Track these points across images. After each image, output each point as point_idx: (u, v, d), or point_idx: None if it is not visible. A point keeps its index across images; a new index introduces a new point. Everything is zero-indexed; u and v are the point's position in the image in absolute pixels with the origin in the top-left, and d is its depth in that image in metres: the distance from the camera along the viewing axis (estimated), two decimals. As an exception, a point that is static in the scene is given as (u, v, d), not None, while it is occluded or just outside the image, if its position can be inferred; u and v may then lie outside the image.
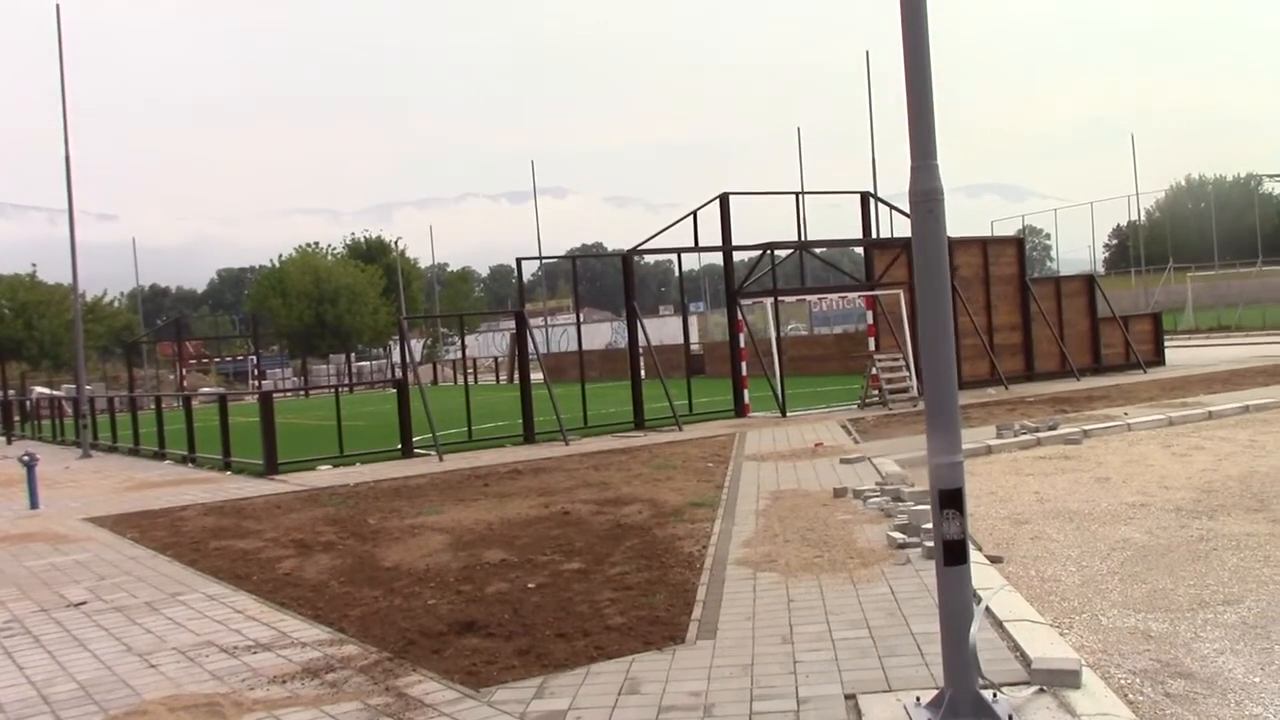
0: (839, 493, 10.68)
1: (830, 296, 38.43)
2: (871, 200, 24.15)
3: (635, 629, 6.52)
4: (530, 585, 7.83)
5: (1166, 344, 29.19)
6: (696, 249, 21.61)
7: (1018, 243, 26.37)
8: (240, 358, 73.35)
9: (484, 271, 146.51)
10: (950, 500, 4.67)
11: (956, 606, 4.69)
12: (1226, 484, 10.43)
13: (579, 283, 25.16)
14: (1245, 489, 10.11)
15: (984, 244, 24.92)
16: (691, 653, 5.97)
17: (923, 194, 4.82)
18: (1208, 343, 39.83)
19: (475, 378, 49.42)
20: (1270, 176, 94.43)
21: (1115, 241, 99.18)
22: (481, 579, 8.16)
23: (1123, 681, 5.36)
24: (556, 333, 66.69)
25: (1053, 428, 14.68)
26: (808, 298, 28.12)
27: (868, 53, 45.87)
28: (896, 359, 21.41)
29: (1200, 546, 8.05)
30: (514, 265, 23.84)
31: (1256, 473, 10.91)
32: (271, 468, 16.83)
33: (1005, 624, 5.94)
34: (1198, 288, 58.47)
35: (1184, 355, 30.23)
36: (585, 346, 23.43)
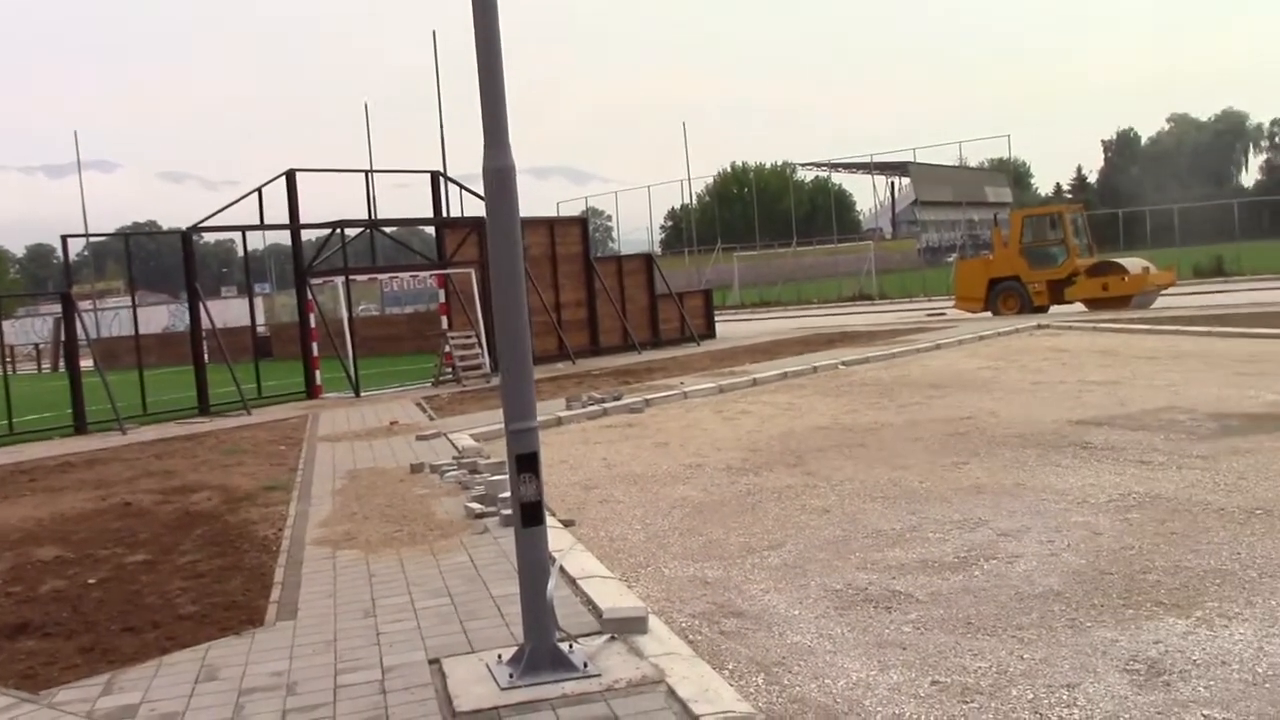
0: (416, 468, 10.77)
1: (402, 276, 38.26)
2: (442, 180, 24.30)
3: (210, 616, 6.32)
4: (91, 581, 7.37)
5: (717, 318, 31.39)
6: (262, 227, 20.90)
7: (582, 223, 27.46)
8: None
9: (19, 251, 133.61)
10: (527, 464, 4.88)
11: (534, 566, 4.92)
12: (769, 443, 11.46)
13: (133, 263, 23.64)
14: (785, 447, 11.15)
15: (551, 224, 25.75)
16: (271, 634, 5.88)
17: (495, 171, 4.99)
18: (752, 317, 43.27)
19: (14, 366, 45.11)
20: (803, 165, 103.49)
21: (671, 223, 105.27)
22: (34, 579, 7.59)
23: (684, 624, 5.82)
24: (108, 316, 62.06)
25: (617, 398, 15.48)
26: (380, 277, 27.93)
27: (434, 32, 45.91)
28: (469, 336, 21.73)
29: (748, 500, 8.83)
30: (58, 244, 22.03)
31: (794, 432, 12.05)
32: None
33: (578, 581, 6.28)
34: (743, 267, 63.18)
35: (732, 328, 32.67)
36: (142, 330, 22.04)
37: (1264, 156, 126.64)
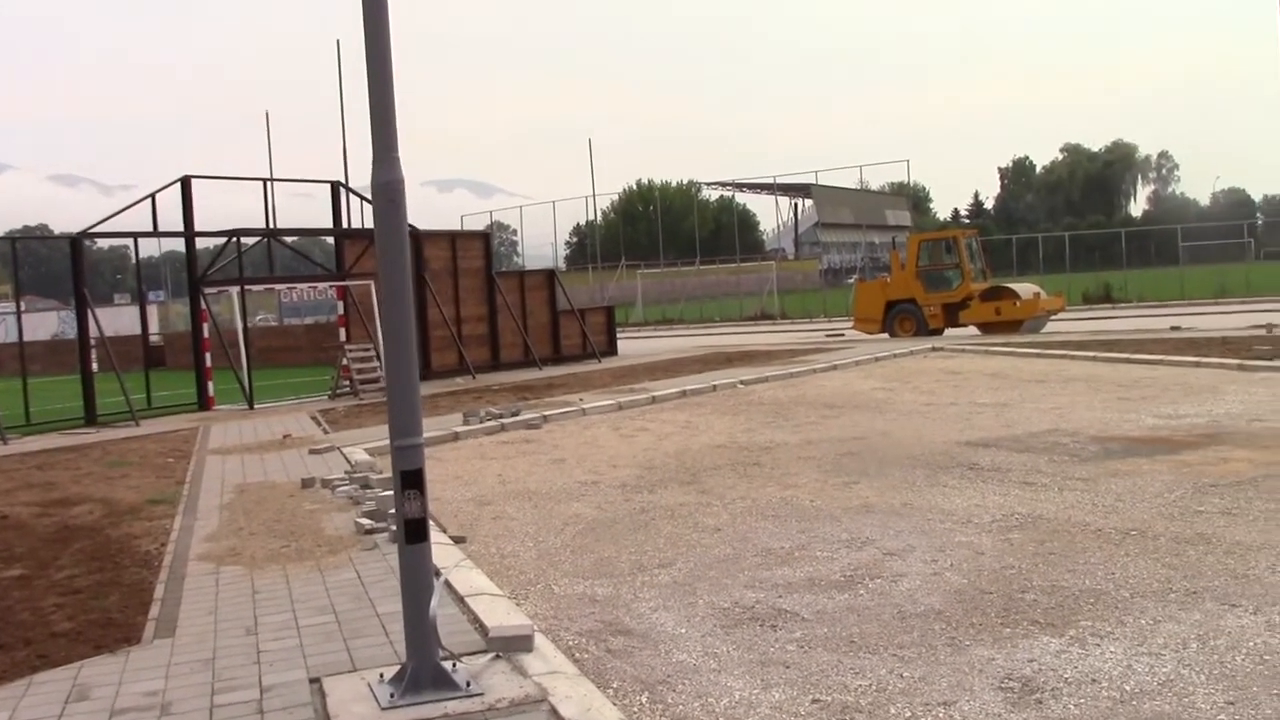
0: (307, 483, 10.61)
1: (301, 286, 37.68)
2: (343, 190, 24.02)
3: (85, 634, 6.14)
4: (-40, 597, 7.12)
5: (619, 335, 31.45)
6: (155, 234, 20.45)
7: (484, 237, 27.35)
8: None
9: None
10: (411, 481, 4.84)
11: (418, 583, 4.87)
12: (665, 461, 11.50)
13: (19, 268, 22.97)
14: (680, 465, 11.20)
15: (453, 238, 25.59)
16: (148, 653, 5.73)
17: (385, 185, 4.95)
18: (655, 334, 43.44)
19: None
20: (708, 184, 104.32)
21: (576, 239, 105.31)
22: (-101, 594, 7.30)
23: (571, 642, 5.81)
24: (-8, 322, 60.10)
25: (515, 414, 15.42)
26: (277, 287, 27.47)
27: (339, 41, 45.45)
28: (368, 349, 21.48)
29: (641, 517, 8.84)
30: (-62, 246, 21.28)
31: (690, 450, 12.12)
32: None
33: (466, 598, 6.23)
34: (647, 284, 63.42)
35: (635, 346, 32.76)
36: (27, 338, 21.42)
37: (1151, 187, 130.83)
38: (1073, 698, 4.75)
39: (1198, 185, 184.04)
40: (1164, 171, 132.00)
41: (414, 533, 4.85)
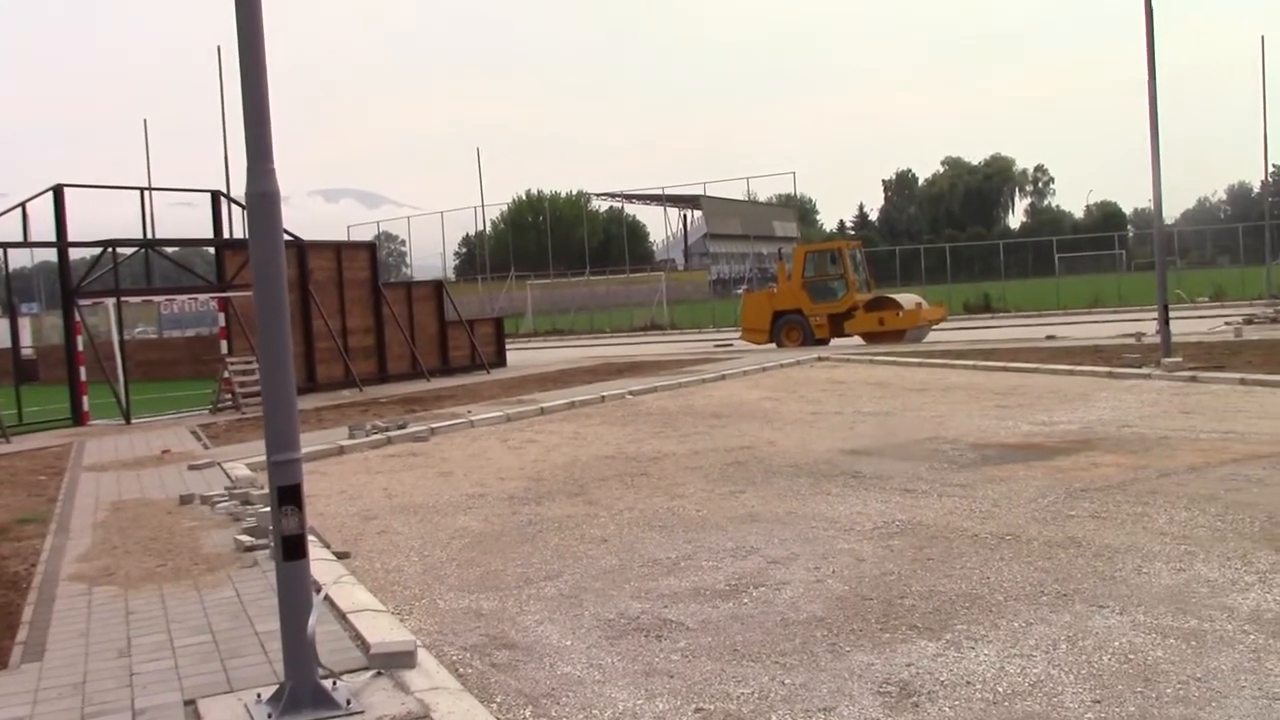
0: (186, 499, 10.36)
1: (181, 298, 36.78)
2: (224, 199, 23.52)
3: (-54, 660, 5.91)
4: None
5: (509, 346, 31.33)
6: (26, 244, 19.80)
7: (370, 248, 27.01)
8: None
9: None
10: (289, 496, 4.76)
11: (296, 600, 4.80)
12: (553, 473, 11.48)
13: (-121, 278, 22.00)
14: (568, 476, 11.19)
15: (338, 248, 25.21)
16: (14, 678, 5.54)
17: (259, 196, 4.87)
18: (545, 345, 43.32)
19: None
20: (598, 195, 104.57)
21: (465, 250, 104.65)
22: None
23: (455, 657, 5.76)
24: None
25: (402, 426, 15.25)
26: (156, 299, 26.79)
27: (219, 48, 44.49)
28: (250, 362, 21.04)
29: (529, 530, 8.82)
30: None
31: (578, 461, 12.12)
32: None
33: (348, 615, 6.15)
34: (537, 295, 63.28)
35: (524, 356, 32.64)
36: (-112, 351, 20.56)
37: (1028, 200, 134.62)
38: (948, 700, 4.86)
39: (1072, 198, 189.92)
40: (1040, 185, 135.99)
41: (291, 549, 4.77)
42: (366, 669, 5.24)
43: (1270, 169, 51.84)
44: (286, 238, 24.17)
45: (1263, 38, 41.19)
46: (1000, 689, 4.95)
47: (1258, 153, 42.78)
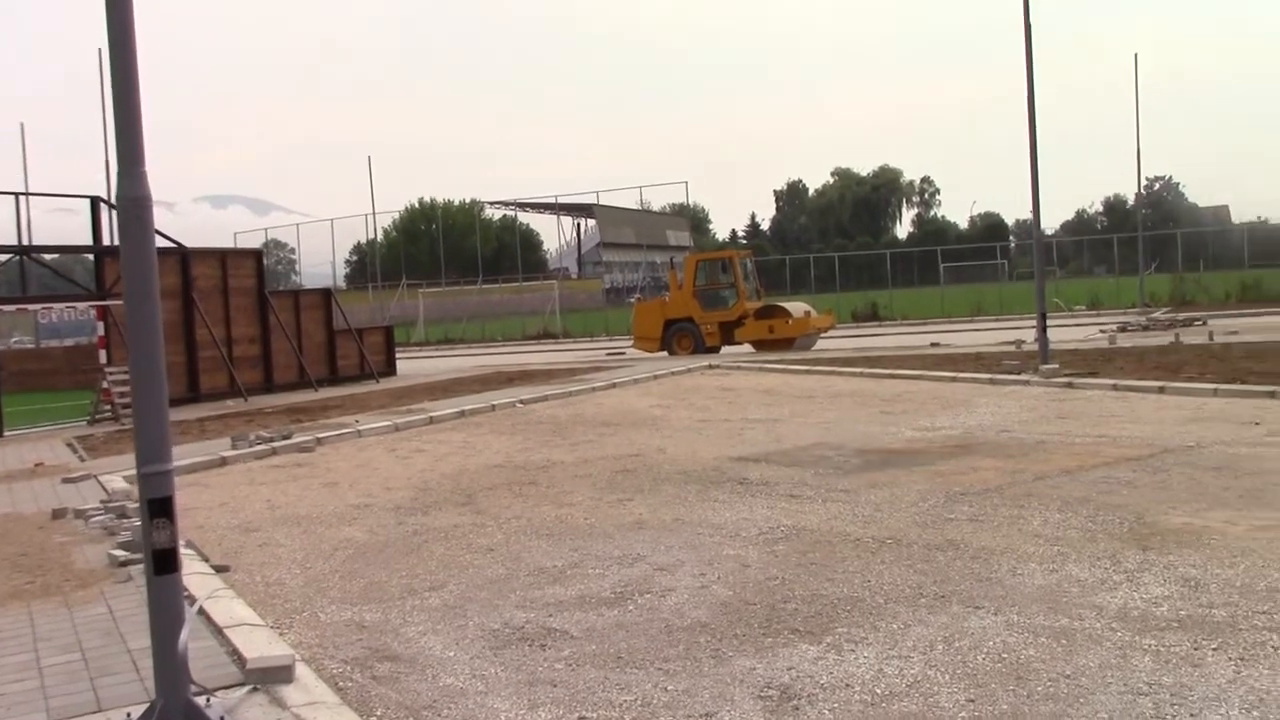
0: (58, 514, 10.05)
1: (58, 307, 35.66)
2: (103, 205, 22.87)
3: None
4: None
5: (399, 355, 30.99)
6: (-111, 250, 19.02)
7: (257, 255, 26.52)
8: None
9: None
10: (160, 509, 4.64)
11: (167, 616, 4.67)
12: (441, 482, 11.38)
13: None
14: (456, 486, 11.10)
15: (223, 256, 24.70)
16: None
17: (131, 201, 4.74)
18: (437, 354, 42.97)
19: None
20: (491, 203, 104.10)
21: (356, 258, 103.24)
22: None
23: (335, 671, 5.67)
24: None
25: (287, 437, 14.98)
26: (31, 307, 25.95)
27: (101, 50, 43.31)
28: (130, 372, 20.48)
29: (414, 540, 8.72)
30: None
31: (467, 470, 12.03)
32: None
33: (225, 629, 6.02)
34: (429, 303, 62.75)
35: (415, 365, 32.31)
36: None
37: (915, 210, 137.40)
38: (827, 703, 4.92)
39: (957, 209, 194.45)
40: (926, 196, 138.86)
41: (163, 563, 4.65)
42: (242, 685, 5.13)
43: (1143, 182, 53.68)
44: (170, 244, 23.60)
45: (1136, 55, 42.67)
46: (878, 690, 5.04)
47: (1132, 166, 44.29)
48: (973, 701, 4.84)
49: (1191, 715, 4.58)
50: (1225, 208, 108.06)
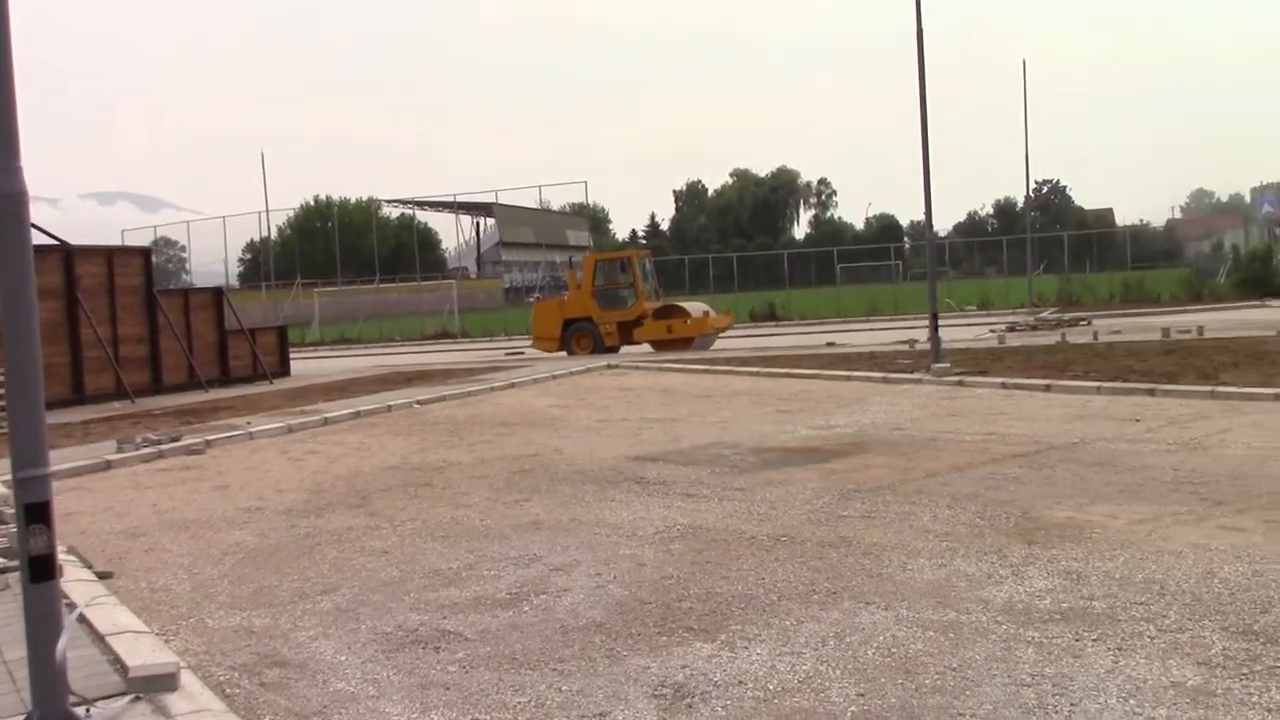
0: (-68, 521, 9.67)
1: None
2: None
3: None
4: None
5: (294, 356, 30.48)
6: None
7: (145, 253, 25.88)
8: None
9: None
10: (37, 514, 4.50)
11: (45, 624, 4.53)
12: (335, 484, 11.22)
13: None
14: (350, 488, 10.96)
15: (110, 254, 24.06)
16: None
17: (5, 197, 4.59)
18: (333, 354, 42.35)
19: None
20: (388, 201, 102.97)
21: (249, 256, 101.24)
22: None
23: (222, 678, 5.56)
24: None
25: (176, 439, 14.64)
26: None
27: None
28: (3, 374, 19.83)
29: (306, 543, 8.58)
30: None
31: (361, 472, 11.87)
32: None
33: (107, 638, 5.85)
34: (325, 303, 61.82)
35: (310, 366, 31.79)
36: None
37: (812, 211, 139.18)
38: (720, 700, 4.96)
39: (853, 211, 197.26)
40: (823, 197, 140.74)
41: (40, 570, 4.51)
42: (125, 694, 5.00)
43: (1032, 186, 55.04)
44: (52, 242, 22.84)
45: (1024, 62, 43.74)
46: (771, 686, 5.09)
47: (1021, 170, 45.41)
48: (863, 696, 4.92)
49: (1072, 705, 4.71)
50: (1110, 210, 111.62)
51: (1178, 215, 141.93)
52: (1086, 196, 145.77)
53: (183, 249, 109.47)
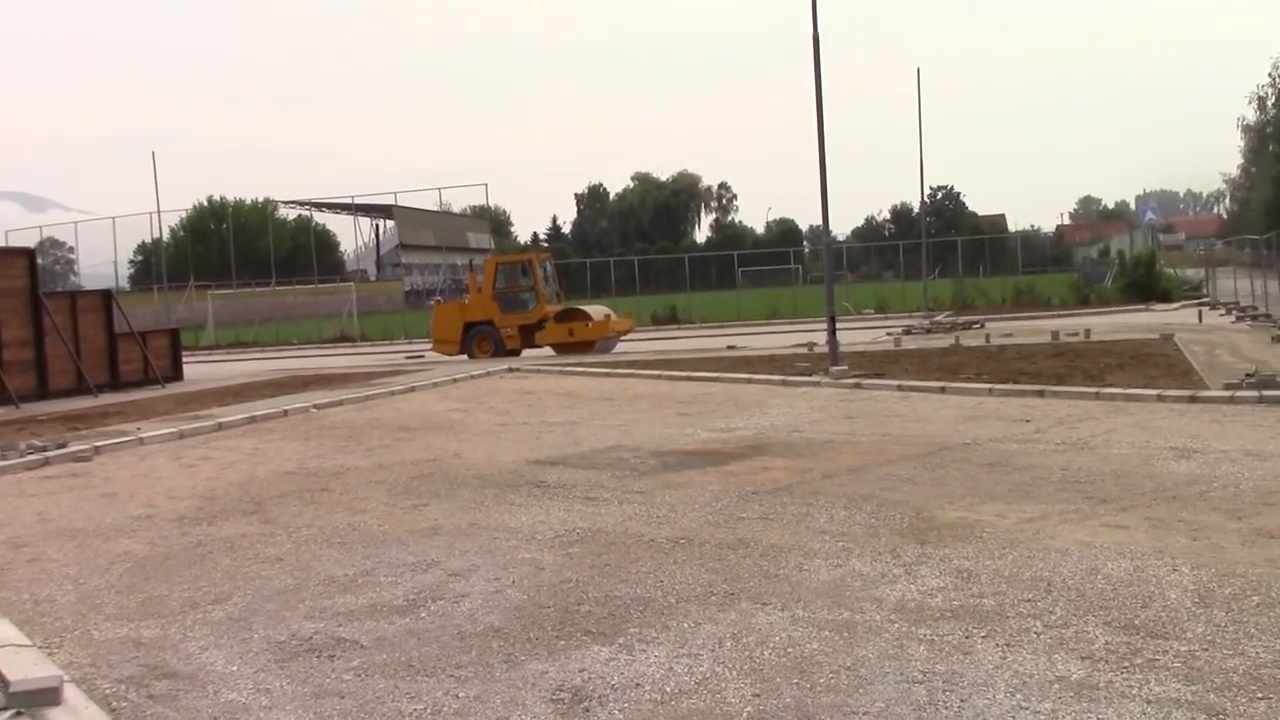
0: None
1: None
2: None
3: None
4: None
5: (188, 360, 29.81)
6: None
7: (29, 254, 25.12)
8: None
9: None
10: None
11: (-82, 639, 4.38)
12: (229, 490, 11.00)
13: None
14: (245, 494, 10.75)
15: (-9, 254, 23.30)
16: None
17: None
18: (228, 358, 41.47)
19: None
20: (285, 203, 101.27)
21: (140, 258, 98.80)
22: None
23: (108, 690, 5.41)
24: None
25: (62, 445, 14.22)
26: None
27: None
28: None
29: (198, 551, 8.40)
30: None
31: (256, 478, 11.66)
32: None
33: (-14, 652, 5.67)
34: (219, 305, 60.56)
35: (204, 370, 31.09)
36: None
37: (713, 215, 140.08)
38: (618, 703, 4.97)
39: (754, 215, 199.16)
40: (725, 201, 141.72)
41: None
42: (5, 709, 4.85)
43: (927, 191, 56.09)
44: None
45: (919, 70, 44.49)
46: (668, 689, 5.11)
47: (917, 176, 46.29)
48: (758, 696, 4.97)
49: (962, 700, 4.81)
50: (1002, 216, 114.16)
51: (1066, 221, 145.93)
52: (980, 203, 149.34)
53: (71, 250, 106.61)
